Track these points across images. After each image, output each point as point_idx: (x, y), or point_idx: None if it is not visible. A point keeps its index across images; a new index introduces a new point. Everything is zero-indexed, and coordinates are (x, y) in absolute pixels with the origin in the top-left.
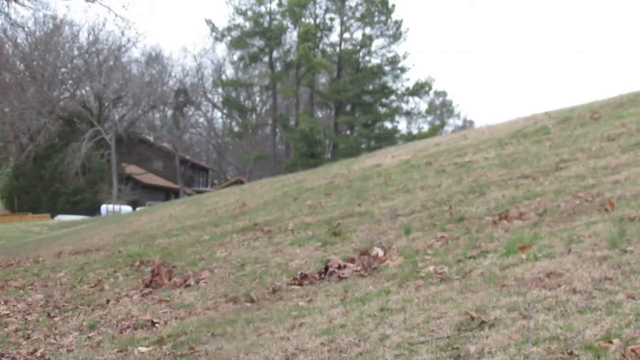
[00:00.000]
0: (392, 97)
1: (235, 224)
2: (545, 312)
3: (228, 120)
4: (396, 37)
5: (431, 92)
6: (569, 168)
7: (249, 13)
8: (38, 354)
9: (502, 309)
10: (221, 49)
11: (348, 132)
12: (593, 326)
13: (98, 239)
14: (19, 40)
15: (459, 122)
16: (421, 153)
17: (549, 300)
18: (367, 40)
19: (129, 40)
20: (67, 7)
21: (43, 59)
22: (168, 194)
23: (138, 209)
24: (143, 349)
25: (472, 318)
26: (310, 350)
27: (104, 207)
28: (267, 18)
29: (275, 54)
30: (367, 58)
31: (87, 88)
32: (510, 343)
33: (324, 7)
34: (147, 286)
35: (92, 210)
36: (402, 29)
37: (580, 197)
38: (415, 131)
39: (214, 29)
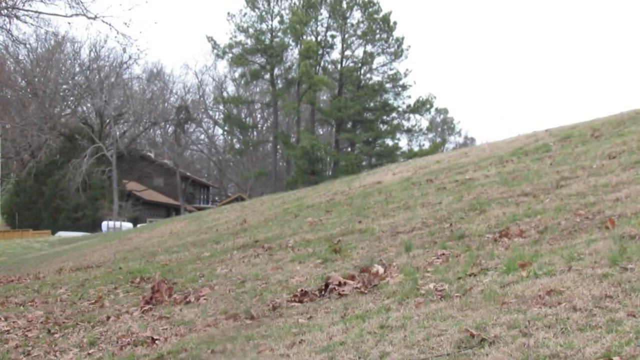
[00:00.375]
0: (393, 114)
1: (235, 241)
2: (546, 329)
3: (229, 137)
4: (397, 54)
5: (432, 110)
6: (570, 186)
7: (251, 30)
8: None
9: (502, 326)
10: (222, 66)
11: (349, 149)
12: (593, 344)
13: (99, 255)
14: (20, 57)
15: (460, 140)
16: (422, 170)
17: (549, 317)
18: (368, 58)
19: (130, 57)
20: (69, 24)
21: (44, 75)
22: (169, 211)
23: (139, 225)
24: None
25: (472, 335)
26: None
27: (104, 224)
28: (269, 35)
29: (276, 71)
30: (368, 75)
31: (89, 105)
32: None
33: (325, 25)
34: (147, 303)
35: (93, 226)
36: (404, 46)
37: (581, 214)
38: (416, 148)
39: (215, 46)
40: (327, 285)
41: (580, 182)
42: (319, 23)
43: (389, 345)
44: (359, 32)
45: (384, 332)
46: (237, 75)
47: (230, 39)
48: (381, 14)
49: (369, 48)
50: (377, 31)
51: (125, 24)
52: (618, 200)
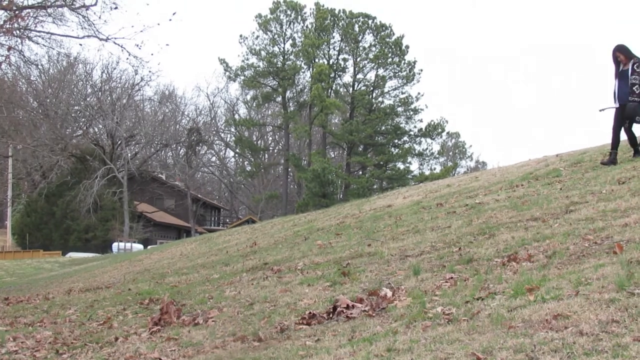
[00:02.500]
0: (405, 138)
1: (245, 263)
2: (552, 354)
3: (240, 160)
4: (409, 78)
5: (444, 134)
6: (579, 211)
7: (263, 53)
8: None
9: (508, 350)
10: (234, 88)
11: (360, 172)
12: None
13: (109, 276)
14: (32, 78)
15: (472, 164)
16: (432, 194)
17: (556, 342)
18: (380, 81)
19: (142, 79)
20: (81, 45)
21: (56, 96)
22: (180, 233)
23: (149, 247)
24: None
25: (479, 359)
26: None
27: (115, 245)
28: (281, 58)
29: (288, 93)
30: (380, 99)
31: (100, 126)
32: None
33: (337, 48)
34: (155, 324)
35: (104, 247)
36: (416, 70)
37: (589, 239)
38: (427, 172)
39: (227, 68)
40: (335, 308)
41: (590, 207)
42: (331, 46)
43: None
44: (371, 56)
45: (391, 355)
46: (248, 97)
47: (243, 61)
48: (393, 38)
49: (380, 72)
50: (389, 55)
51: (137, 45)
52: (627, 225)
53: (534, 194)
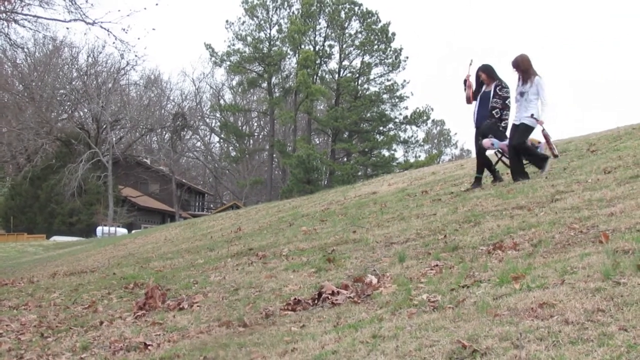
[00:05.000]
0: (390, 125)
1: (230, 249)
2: (537, 342)
3: (225, 145)
4: (395, 65)
5: (429, 121)
6: (565, 200)
7: (249, 39)
8: None
9: (494, 338)
10: (220, 73)
11: (345, 159)
12: (585, 357)
13: (93, 260)
14: (18, 61)
15: (457, 152)
16: (417, 182)
17: (541, 330)
18: (365, 68)
19: (128, 63)
20: (68, 29)
21: (42, 80)
22: (164, 217)
23: (133, 231)
24: None
25: (464, 347)
26: None
27: (99, 229)
28: (267, 44)
29: (274, 79)
30: (365, 86)
31: (85, 110)
32: None
33: (323, 35)
34: (140, 308)
35: (88, 231)
36: (402, 57)
37: (575, 228)
38: (412, 160)
39: (213, 53)
40: (320, 294)
41: (575, 196)
42: (317, 33)
43: (381, 355)
44: (357, 43)
45: (376, 342)
46: (234, 83)
47: (229, 46)
48: (379, 25)
49: (366, 58)
50: (375, 42)
51: (124, 30)
52: (612, 214)
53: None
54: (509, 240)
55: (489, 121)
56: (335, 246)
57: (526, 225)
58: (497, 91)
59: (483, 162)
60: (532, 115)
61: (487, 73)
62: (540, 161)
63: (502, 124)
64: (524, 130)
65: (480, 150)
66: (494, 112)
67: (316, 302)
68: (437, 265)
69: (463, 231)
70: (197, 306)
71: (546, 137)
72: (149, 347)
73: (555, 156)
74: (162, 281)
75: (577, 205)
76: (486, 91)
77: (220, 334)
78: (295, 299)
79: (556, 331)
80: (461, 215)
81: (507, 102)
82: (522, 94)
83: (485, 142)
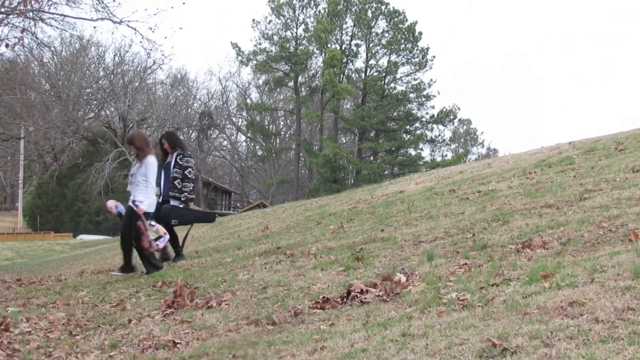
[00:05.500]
0: (417, 124)
1: (257, 247)
2: (567, 340)
3: (252, 144)
4: (422, 64)
5: (456, 120)
6: (593, 198)
7: (275, 38)
8: None
9: (524, 336)
10: (246, 72)
11: (371, 158)
12: (615, 356)
13: (120, 259)
14: (45, 60)
15: (483, 151)
16: (445, 180)
17: (571, 329)
18: (392, 67)
19: (154, 62)
20: (94, 28)
21: (68, 78)
22: None
23: None
24: None
25: (494, 345)
26: None
27: None
28: (293, 43)
29: (300, 78)
30: (392, 85)
31: (112, 109)
32: None
33: (350, 34)
34: (169, 307)
35: (114, 230)
36: (429, 56)
37: (604, 227)
38: (438, 159)
39: (239, 52)
40: (349, 293)
41: (604, 195)
42: (343, 32)
43: (411, 353)
44: (383, 42)
45: (405, 340)
46: (260, 82)
47: (255, 45)
48: (406, 24)
49: (393, 58)
50: (402, 41)
51: (151, 28)
52: None
53: (548, 181)
54: (537, 239)
55: (167, 206)
56: (364, 245)
57: (555, 224)
58: (178, 160)
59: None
60: (134, 202)
61: (169, 141)
62: (149, 265)
63: (182, 197)
64: (129, 216)
65: (168, 224)
66: (175, 182)
67: (345, 300)
68: (465, 263)
69: (492, 230)
70: (226, 304)
71: (141, 226)
72: (178, 345)
73: (158, 251)
74: (190, 279)
75: (606, 203)
76: (169, 161)
77: (248, 332)
78: (324, 297)
79: (586, 330)
80: (489, 214)
81: (187, 172)
82: (132, 175)
83: (110, 203)
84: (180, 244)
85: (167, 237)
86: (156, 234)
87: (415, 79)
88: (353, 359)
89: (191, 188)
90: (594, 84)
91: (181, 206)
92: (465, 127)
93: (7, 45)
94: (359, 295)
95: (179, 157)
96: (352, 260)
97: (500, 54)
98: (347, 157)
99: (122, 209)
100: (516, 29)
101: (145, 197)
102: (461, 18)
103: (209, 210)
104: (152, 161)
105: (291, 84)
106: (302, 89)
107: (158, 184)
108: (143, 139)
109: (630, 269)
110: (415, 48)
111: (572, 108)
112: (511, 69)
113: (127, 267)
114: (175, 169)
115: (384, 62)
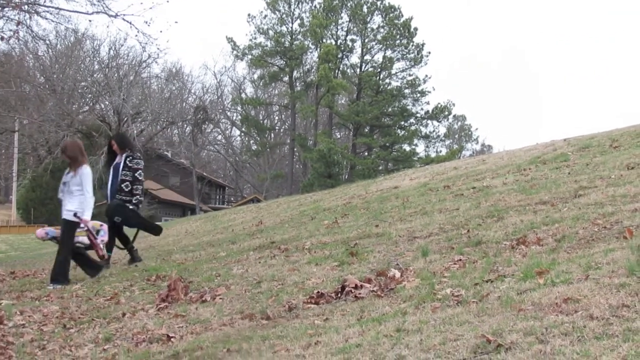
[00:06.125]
0: (411, 120)
1: (251, 242)
2: (562, 337)
3: (246, 139)
4: (417, 60)
5: (450, 116)
6: (588, 195)
7: (270, 32)
8: None
9: (518, 333)
10: (241, 67)
11: (366, 153)
12: (610, 352)
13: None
14: (39, 53)
15: (477, 147)
16: (439, 176)
17: (566, 325)
18: (387, 63)
19: (150, 56)
20: (90, 21)
21: (63, 72)
22: (184, 210)
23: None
24: None
25: (489, 341)
26: None
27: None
28: (289, 38)
29: (295, 73)
30: (387, 80)
31: (107, 102)
32: None
33: (345, 29)
34: (163, 300)
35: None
36: (424, 52)
37: (599, 224)
38: (433, 155)
39: (235, 47)
40: (343, 288)
41: (599, 192)
42: (339, 27)
43: (405, 348)
44: (379, 37)
45: (400, 336)
46: (255, 76)
47: (250, 40)
48: (402, 20)
49: (388, 53)
50: (398, 37)
51: (146, 22)
52: (636, 210)
53: (542, 178)
54: (532, 236)
55: (115, 201)
56: (358, 240)
57: (550, 220)
58: (127, 162)
59: (120, 239)
60: (75, 214)
61: (118, 142)
62: (90, 269)
63: (134, 200)
64: (67, 227)
65: (114, 226)
66: (123, 185)
67: (339, 295)
68: (460, 259)
69: (486, 226)
70: (220, 299)
71: (90, 237)
72: (172, 339)
73: (103, 258)
74: (184, 273)
75: (601, 201)
76: (117, 162)
77: (243, 326)
78: (318, 292)
79: (581, 326)
80: (484, 210)
81: (137, 174)
82: (65, 184)
83: (39, 232)
84: (130, 246)
85: (106, 226)
86: (95, 230)
87: (410, 75)
88: (347, 354)
89: (141, 190)
90: (590, 80)
91: (130, 207)
92: (459, 123)
93: (2, 38)
94: (353, 291)
95: (128, 159)
96: (346, 256)
97: (495, 50)
98: (341, 152)
99: (53, 232)
100: (512, 25)
101: (85, 207)
102: (457, 14)
103: (154, 222)
104: (87, 171)
105: (286, 78)
106: (297, 84)
107: (102, 187)
108: (77, 148)
109: (625, 266)
110: (411, 44)
111: (567, 105)
112: (506, 65)
113: (92, 270)
114: (125, 172)
115: (379, 57)
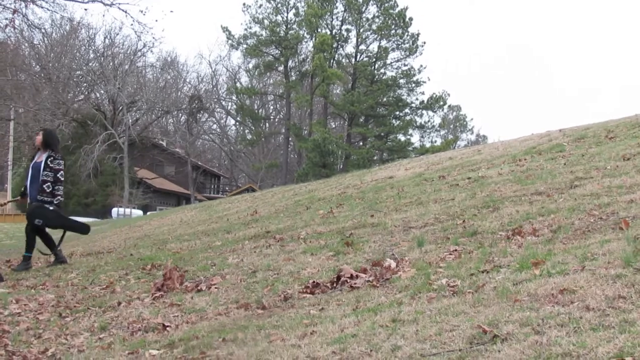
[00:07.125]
0: (406, 110)
1: (246, 231)
2: (558, 328)
3: (241, 128)
4: (412, 50)
5: (445, 106)
6: (584, 186)
7: (266, 22)
8: (49, 353)
9: (514, 323)
10: (236, 56)
11: (361, 143)
12: (606, 344)
13: (109, 241)
14: (35, 42)
15: (473, 137)
16: (434, 167)
17: (562, 316)
18: (382, 53)
19: (145, 45)
20: (85, 10)
21: (59, 60)
22: (179, 199)
23: (149, 213)
24: (154, 352)
25: (485, 332)
26: (321, 359)
27: (115, 210)
28: (284, 27)
29: (290, 63)
30: (382, 70)
31: (102, 91)
32: (523, 358)
33: (340, 19)
34: (158, 290)
35: (103, 213)
36: (419, 42)
37: (595, 215)
38: (428, 145)
39: (230, 36)
40: (339, 278)
41: (594, 183)
42: (334, 16)
43: (401, 338)
44: (374, 27)
45: (395, 326)
46: (250, 66)
47: (245, 29)
48: (397, 10)
49: (383, 43)
50: (393, 27)
51: (142, 11)
52: (632, 201)
53: (538, 169)
54: (528, 226)
55: (35, 203)
56: (353, 230)
57: (545, 211)
58: (49, 163)
59: (42, 239)
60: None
61: (45, 139)
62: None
63: (55, 200)
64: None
65: (34, 228)
66: (44, 186)
67: (335, 285)
68: (456, 250)
69: (482, 216)
70: (215, 288)
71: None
72: (167, 328)
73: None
74: (179, 263)
75: (597, 191)
76: (38, 162)
77: (238, 316)
78: (313, 282)
79: (577, 317)
80: (479, 201)
81: (59, 175)
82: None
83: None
84: (57, 246)
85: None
86: None
87: (405, 65)
88: (343, 344)
89: (62, 191)
90: (585, 71)
91: (51, 208)
92: (454, 113)
93: None
94: (348, 281)
95: (49, 159)
96: (341, 245)
97: (491, 41)
98: (336, 142)
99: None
100: (508, 16)
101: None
102: (452, 4)
103: (83, 222)
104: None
105: (281, 68)
106: (292, 74)
107: (25, 184)
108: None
109: (621, 257)
110: (406, 34)
111: (563, 95)
112: (502, 56)
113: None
114: (46, 172)
115: (374, 47)
